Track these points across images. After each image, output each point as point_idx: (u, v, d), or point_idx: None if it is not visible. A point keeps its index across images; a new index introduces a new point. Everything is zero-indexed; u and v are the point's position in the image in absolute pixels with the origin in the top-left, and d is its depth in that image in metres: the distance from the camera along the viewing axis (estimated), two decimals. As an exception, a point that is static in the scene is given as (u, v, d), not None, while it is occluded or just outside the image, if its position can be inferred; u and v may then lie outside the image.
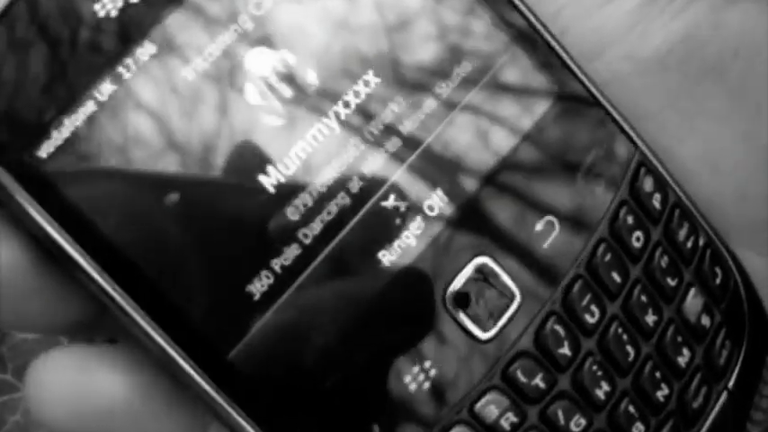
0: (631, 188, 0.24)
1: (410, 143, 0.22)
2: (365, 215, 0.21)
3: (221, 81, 0.21)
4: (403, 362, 0.22)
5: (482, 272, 0.22)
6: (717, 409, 0.25)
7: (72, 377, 0.21)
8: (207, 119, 0.21)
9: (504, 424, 0.22)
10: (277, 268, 0.21)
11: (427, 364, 0.22)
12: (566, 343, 0.23)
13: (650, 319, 0.24)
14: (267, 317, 0.21)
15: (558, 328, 0.23)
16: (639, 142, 0.25)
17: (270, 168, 0.21)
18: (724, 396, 0.25)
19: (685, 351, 0.24)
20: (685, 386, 0.24)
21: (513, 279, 0.23)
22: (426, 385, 0.22)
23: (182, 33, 0.20)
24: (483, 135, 0.23)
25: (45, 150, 0.19)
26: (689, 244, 0.25)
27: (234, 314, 0.20)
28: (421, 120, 0.22)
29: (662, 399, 0.24)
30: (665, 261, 0.24)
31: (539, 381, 0.22)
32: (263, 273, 0.21)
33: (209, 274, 0.20)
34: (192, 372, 0.20)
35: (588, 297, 0.23)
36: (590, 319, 0.23)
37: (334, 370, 0.21)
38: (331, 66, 0.22)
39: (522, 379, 0.22)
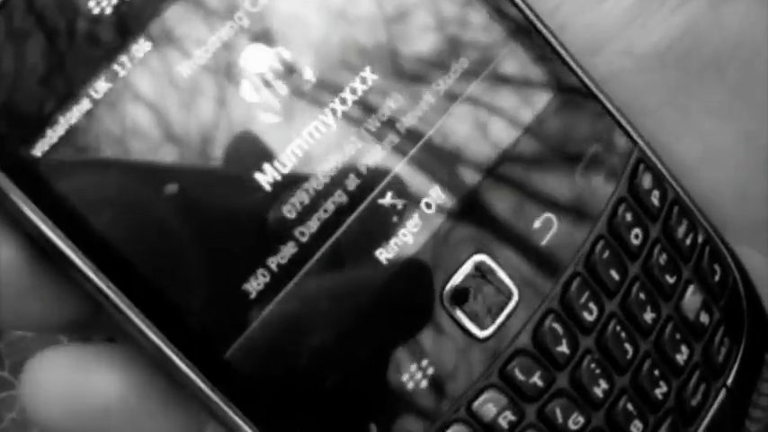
0: (630, 185, 0.24)
1: (407, 140, 0.22)
2: (362, 213, 0.21)
3: (217, 78, 0.21)
4: (400, 360, 0.21)
5: (480, 269, 0.22)
6: (715, 406, 0.25)
7: (67, 376, 0.20)
8: (202, 116, 0.20)
9: (502, 422, 0.22)
10: (273, 266, 0.21)
11: (425, 362, 0.22)
12: (564, 341, 0.23)
13: (649, 316, 0.24)
14: (263, 315, 0.20)
15: (557, 325, 0.23)
16: (638, 139, 0.24)
17: (266, 166, 0.21)
18: (723, 393, 0.25)
19: (684, 348, 0.24)
20: (684, 384, 0.24)
21: (511, 277, 0.22)
22: (424, 384, 0.22)
23: (177, 30, 0.20)
24: (481, 133, 0.23)
25: (40, 149, 0.19)
26: (688, 241, 0.25)
27: (230, 313, 0.20)
28: (418, 117, 0.22)
29: (660, 396, 0.24)
30: (663, 258, 0.24)
31: (537, 379, 0.22)
32: (260, 271, 0.20)
33: (204, 272, 0.20)
34: (188, 371, 0.20)
35: (586, 295, 0.23)
36: (588, 317, 0.23)
37: (331, 369, 0.21)
38: (328, 62, 0.21)
39: (520, 377, 0.22)
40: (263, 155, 0.21)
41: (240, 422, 0.20)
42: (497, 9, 0.23)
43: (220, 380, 0.20)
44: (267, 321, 0.20)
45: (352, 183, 0.21)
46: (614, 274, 0.23)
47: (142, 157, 0.20)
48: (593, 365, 0.23)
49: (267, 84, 0.21)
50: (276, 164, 0.21)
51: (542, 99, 0.23)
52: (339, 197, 0.21)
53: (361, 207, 0.21)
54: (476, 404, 0.22)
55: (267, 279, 0.20)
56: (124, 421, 0.21)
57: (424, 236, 0.22)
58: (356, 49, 0.22)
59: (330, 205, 0.21)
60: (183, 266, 0.20)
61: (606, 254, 0.23)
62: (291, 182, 0.21)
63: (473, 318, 0.22)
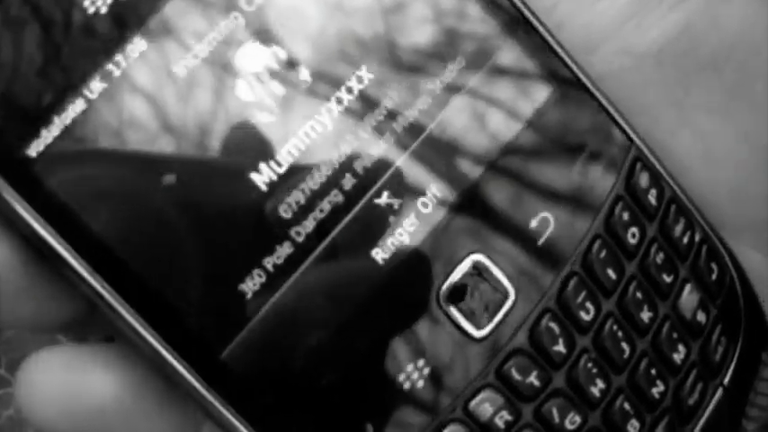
0: (627, 184, 0.24)
1: (404, 139, 0.22)
2: (358, 212, 0.21)
3: (213, 77, 0.20)
4: (397, 360, 0.21)
5: (476, 269, 0.22)
6: (712, 405, 0.25)
7: (63, 377, 0.20)
8: (198, 116, 0.20)
9: (499, 422, 0.22)
10: (269, 267, 0.21)
11: (421, 362, 0.22)
12: (560, 340, 0.23)
13: (645, 315, 0.24)
14: (259, 315, 0.20)
15: (553, 325, 0.23)
16: (635, 138, 0.24)
17: (262, 165, 0.21)
18: (719, 392, 0.25)
19: (681, 347, 0.24)
20: (681, 382, 0.24)
21: (508, 276, 0.22)
22: (420, 384, 0.22)
23: (172, 29, 0.20)
24: (477, 132, 0.23)
25: (35, 149, 0.19)
26: (685, 240, 0.25)
27: (226, 313, 0.20)
28: (415, 116, 0.22)
29: (657, 395, 0.24)
30: (660, 257, 0.24)
31: (533, 379, 0.22)
32: (256, 271, 0.20)
33: (200, 273, 0.20)
34: (184, 371, 0.20)
35: (583, 294, 0.23)
36: (585, 317, 0.23)
37: (328, 369, 0.21)
38: (323, 61, 0.21)
39: (517, 377, 0.22)
40: (259, 154, 0.21)
41: (236, 423, 0.20)
42: (493, 7, 0.23)
43: (216, 380, 0.20)
44: (263, 321, 0.20)
45: (348, 182, 0.21)
46: (611, 274, 0.23)
47: (137, 156, 0.20)
48: (589, 365, 0.23)
49: (263, 83, 0.21)
50: (272, 163, 0.21)
51: (538, 98, 0.23)
52: (335, 197, 0.21)
53: (358, 206, 0.21)
54: (472, 404, 0.22)
55: (263, 279, 0.20)
56: (120, 421, 0.21)
57: (420, 235, 0.22)
58: (352, 48, 0.22)
59: (326, 205, 0.21)
60: (178, 267, 0.20)
61: (603, 253, 0.23)
62: (287, 181, 0.21)
63: (470, 317, 0.22)
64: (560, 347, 0.23)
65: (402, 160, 0.22)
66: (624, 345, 0.23)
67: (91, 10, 0.19)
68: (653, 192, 0.24)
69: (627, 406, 0.23)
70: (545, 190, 0.23)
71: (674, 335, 0.24)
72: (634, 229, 0.24)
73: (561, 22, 0.25)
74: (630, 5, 0.25)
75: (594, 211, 0.23)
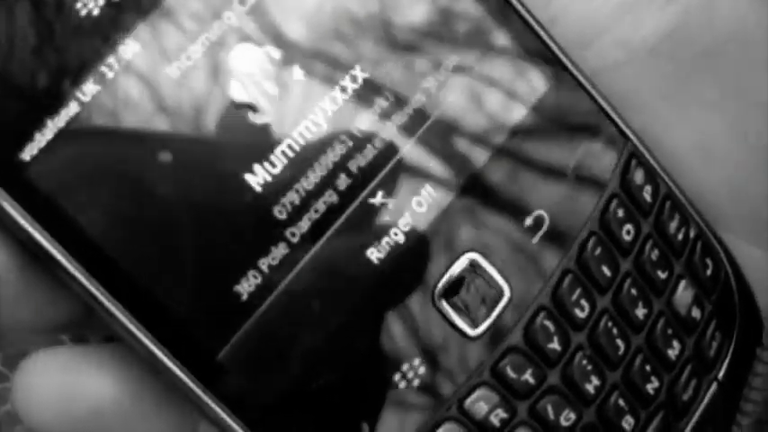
0: (622, 181, 0.24)
1: (398, 139, 0.22)
2: (353, 213, 0.21)
3: (206, 79, 0.20)
4: (392, 360, 0.22)
5: (471, 269, 0.22)
6: (707, 400, 0.25)
7: (59, 379, 0.20)
8: (191, 118, 0.20)
9: (494, 420, 0.22)
10: (264, 268, 0.21)
11: (416, 361, 0.22)
12: (555, 338, 0.23)
13: (640, 312, 0.24)
14: (255, 317, 0.20)
15: (548, 323, 0.23)
16: (630, 134, 0.24)
17: (256, 167, 0.21)
18: (714, 387, 0.25)
19: (675, 344, 0.24)
20: (675, 378, 0.24)
21: (503, 275, 0.22)
22: (416, 383, 0.22)
23: (165, 30, 0.20)
24: (471, 130, 0.22)
25: (28, 153, 0.19)
26: (679, 236, 0.25)
27: (222, 315, 0.20)
28: (409, 115, 0.22)
29: (652, 391, 0.24)
30: (655, 254, 0.24)
31: (528, 376, 0.22)
32: (251, 273, 0.20)
33: (196, 275, 0.20)
34: (180, 374, 0.20)
35: (578, 291, 0.23)
36: (580, 314, 0.23)
37: (323, 369, 0.21)
38: (317, 61, 0.21)
39: (512, 375, 0.22)
40: (253, 155, 0.21)
41: (233, 424, 0.20)
42: (487, 3, 0.23)
43: (212, 382, 0.20)
44: (258, 322, 0.20)
45: (342, 182, 0.21)
46: (606, 271, 0.23)
47: (132, 159, 0.20)
48: (584, 362, 0.23)
49: (256, 83, 0.21)
50: (266, 164, 0.21)
51: (533, 95, 0.23)
52: (330, 197, 0.21)
53: (352, 207, 0.21)
54: (467, 402, 0.22)
55: (258, 281, 0.20)
56: (117, 423, 0.21)
57: (414, 235, 0.22)
58: (345, 48, 0.21)
59: (321, 205, 0.21)
60: (173, 270, 0.20)
61: (598, 250, 0.23)
62: (282, 182, 0.21)
63: (465, 316, 0.22)
64: (555, 345, 0.23)
65: (396, 160, 0.22)
66: (619, 341, 0.24)
67: (83, 12, 0.19)
68: (648, 188, 0.24)
69: (622, 402, 0.24)
70: (540, 188, 0.23)
71: (669, 331, 0.24)
72: (629, 226, 0.24)
73: (556, 15, 0.25)
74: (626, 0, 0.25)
75: (589, 209, 0.23)
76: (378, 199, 0.22)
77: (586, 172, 0.24)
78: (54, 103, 0.19)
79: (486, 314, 0.22)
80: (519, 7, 0.23)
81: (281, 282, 0.21)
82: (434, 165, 0.22)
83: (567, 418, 0.23)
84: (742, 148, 0.26)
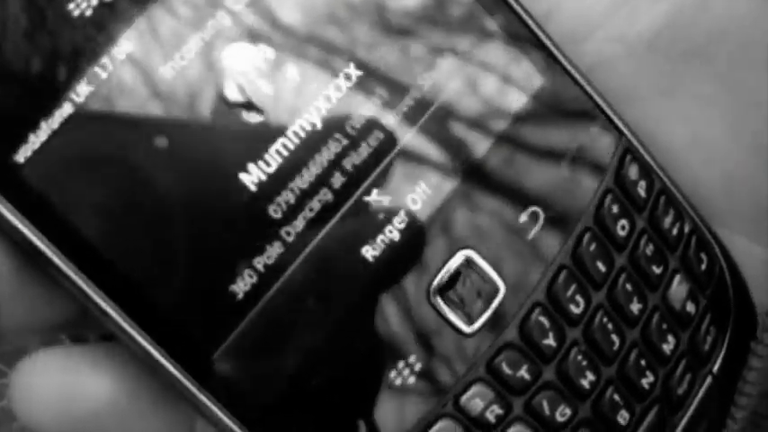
0: (617, 176, 0.24)
1: (392, 137, 0.22)
2: (348, 211, 0.21)
3: (200, 78, 0.20)
4: (388, 357, 0.22)
5: (466, 265, 0.22)
6: (701, 393, 0.25)
7: (57, 379, 0.21)
8: (186, 118, 0.20)
9: (490, 416, 0.22)
10: (260, 267, 0.21)
11: (412, 358, 0.22)
12: (551, 334, 0.23)
13: (635, 307, 0.24)
14: (251, 316, 0.21)
15: (543, 319, 0.23)
16: (625, 129, 0.24)
17: (251, 166, 0.21)
18: (708, 380, 0.25)
19: (670, 338, 0.24)
20: (670, 372, 0.25)
21: (498, 271, 0.23)
22: (411, 380, 0.22)
23: (159, 30, 0.20)
24: (465, 127, 0.23)
25: (23, 155, 0.19)
26: (674, 231, 0.25)
27: (218, 314, 0.20)
28: (403, 113, 0.22)
29: (647, 386, 0.24)
30: (650, 249, 0.24)
31: (524, 372, 0.23)
32: (246, 272, 0.21)
33: (191, 275, 0.20)
34: (176, 373, 0.20)
35: (573, 287, 0.23)
36: (575, 309, 0.23)
37: (319, 367, 0.21)
38: (311, 59, 0.21)
39: (507, 371, 0.22)
40: (248, 154, 0.21)
41: (229, 423, 0.21)
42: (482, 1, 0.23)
43: (209, 381, 0.20)
44: (254, 321, 0.21)
45: (337, 181, 0.21)
46: (601, 266, 0.24)
47: (127, 159, 0.20)
48: (579, 357, 0.23)
49: (251, 82, 0.21)
50: (261, 163, 0.21)
51: (528, 91, 0.23)
52: (325, 195, 0.21)
53: (347, 205, 0.21)
54: (463, 399, 0.22)
55: (254, 280, 0.21)
56: (115, 423, 0.21)
57: (410, 232, 0.22)
58: (340, 46, 0.21)
59: (316, 203, 0.21)
60: (169, 269, 0.20)
61: (593, 246, 0.23)
62: (277, 181, 0.21)
63: (460, 313, 0.22)
64: (550, 341, 0.23)
65: (391, 157, 0.22)
66: (614, 336, 0.24)
67: (76, 13, 0.19)
68: (642, 184, 0.24)
69: (617, 397, 0.24)
70: (535, 184, 0.23)
71: (664, 326, 0.24)
72: (624, 222, 0.24)
73: (551, 10, 0.25)
74: None
75: (584, 205, 0.23)
76: (373, 197, 0.22)
77: (581, 167, 0.24)
78: (48, 104, 0.19)
79: (481, 311, 0.22)
80: (512, 2, 0.23)
81: (277, 281, 0.21)
82: (429, 162, 0.22)
83: (563, 413, 0.23)
84: (737, 142, 0.26)
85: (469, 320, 0.22)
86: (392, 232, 0.22)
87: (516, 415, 0.23)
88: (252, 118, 0.21)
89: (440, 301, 0.22)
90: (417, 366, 0.22)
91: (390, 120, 0.22)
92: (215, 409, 0.20)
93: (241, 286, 0.20)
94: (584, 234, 0.23)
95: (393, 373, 0.22)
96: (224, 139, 0.21)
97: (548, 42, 0.24)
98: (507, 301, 0.23)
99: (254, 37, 0.21)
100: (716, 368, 0.25)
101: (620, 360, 0.24)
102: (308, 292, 0.21)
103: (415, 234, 0.22)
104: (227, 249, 0.21)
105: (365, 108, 0.22)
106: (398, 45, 0.22)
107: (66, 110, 0.19)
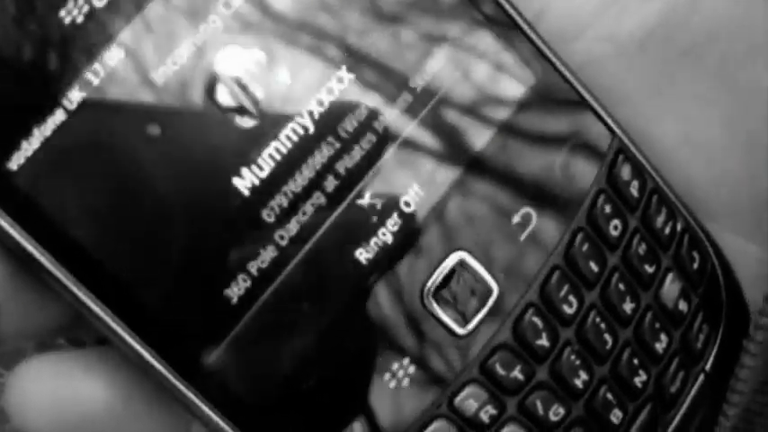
0: (609, 176, 0.24)
1: (385, 140, 0.22)
2: (341, 214, 0.21)
3: (193, 83, 0.20)
4: (382, 360, 0.22)
5: (459, 267, 0.22)
6: (694, 391, 0.25)
7: (52, 385, 0.21)
8: (178, 122, 0.20)
9: (484, 417, 0.22)
10: (254, 271, 0.21)
11: (406, 360, 0.22)
12: (544, 334, 0.23)
13: (628, 306, 0.24)
14: (245, 320, 0.21)
15: (536, 319, 0.23)
16: (617, 129, 0.24)
17: (244, 170, 0.21)
18: (701, 378, 0.25)
19: (663, 337, 0.25)
20: (663, 371, 0.25)
21: (491, 273, 0.23)
22: (405, 382, 0.22)
23: (150, 35, 0.20)
24: (457, 128, 0.23)
25: (15, 162, 0.19)
26: (667, 230, 0.25)
27: (212, 319, 0.20)
28: (396, 115, 0.22)
29: (640, 385, 0.24)
30: (642, 248, 0.24)
31: (517, 373, 0.23)
32: (240, 276, 0.21)
33: (185, 280, 0.20)
34: (172, 379, 0.20)
35: (566, 287, 0.23)
36: (568, 310, 0.23)
37: (314, 370, 0.21)
38: (303, 63, 0.21)
39: (501, 372, 0.22)
40: (241, 159, 0.21)
41: (225, 426, 0.21)
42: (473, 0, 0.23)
43: (204, 385, 0.20)
44: (249, 325, 0.21)
45: (330, 184, 0.21)
46: (593, 266, 0.24)
47: (119, 166, 0.20)
48: (572, 357, 0.23)
49: (243, 87, 0.21)
50: (254, 168, 0.21)
51: (519, 92, 0.23)
52: (318, 199, 0.21)
53: (340, 208, 0.21)
54: (457, 400, 0.22)
55: (248, 284, 0.21)
56: (110, 427, 0.21)
57: (403, 235, 0.22)
58: (331, 50, 0.21)
59: (309, 207, 0.21)
60: (163, 274, 0.20)
61: (585, 246, 0.23)
62: (270, 185, 0.21)
63: (453, 315, 0.22)
64: (544, 341, 0.23)
65: (383, 160, 0.22)
66: (607, 336, 0.24)
67: (67, 20, 0.19)
68: (635, 183, 0.24)
69: (610, 396, 0.24)
70: (527, 185, 0.23)
71: (657, 324, 0.24)
72: (616, 222, 0.24)
73: (542, 9, 0.25)
74: None
75: (577, 205, 0.24)
76: (365, 200, 0.22)
77: (573, 168, 0.24)
78: (40, 111, 0.19)
79: (474, 312, 0.22)
80: (503, 2, 0.23)
81: (271, 284, 0.21)
82: (421, 165, 0.22)
83: (556, 412, 0.23)
84: (729, 141, 0.26)
85: (463, 322, 0.22)
86: (385, 235, 0.22)
87: (510, 415, 0.23)
88: (244, 122, 0.21)
89: (433, 303, 0.22)
90: (411, 368, 0.22)
91: (383, 123, 0.22)
92: (210, 413, 0.21)
93: (235, 290, 0.21)
94: (576, 234, 0.23)
95: (387, 376, 0.22)
96: (217, 143, 0.21)
97: (539, 42, 0.24)
98: (500, 301, 0.23)
99: (245, 41, 0.21)
100: (708, 366, 0.26)
101: (612, 359, 0.24)
102: (302, 295, 0.21)
103: (409, 236, 0.22)
104: (221, 254, 0.21)
105: (357, 111, 0.22)
106: (389, 52, 0.22)
107: (58, 117, 0.19)
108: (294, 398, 0.21)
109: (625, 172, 0.24)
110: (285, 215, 0.21)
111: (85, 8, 0.19)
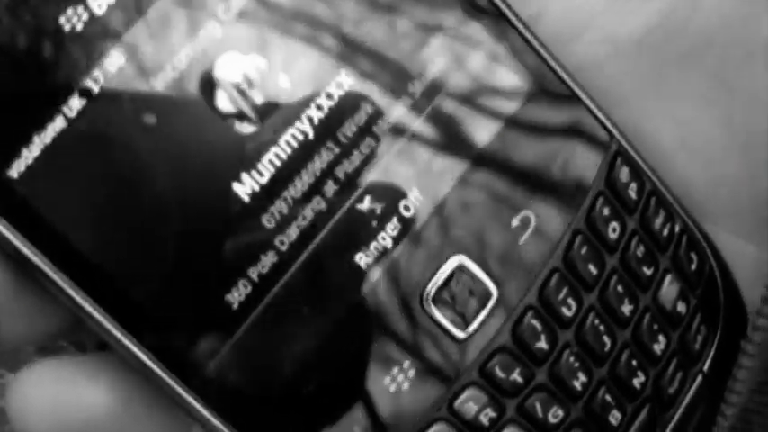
0: (607, 179, 0.24)
1: (384, 144, 0.22)
2: (341, 219, 0.21)
3: (192, 89, 0.20)
4: (382, 364, 0.22)
5: (459, 271, 0.22)
6: (692, 391, 0.25)
7: (54, 390, 0.21)
8: (178, 129, 0.20)
9: (483, 419, 0.22)
10: (254, 276, 0.21)
11: (406, 364, 0.22)
12: (543, 336, 0.23)
13: (626, 308, 0.24)
14: (246, 325, 0.21)
15: (536, 322, 0.23)
16: (615, 132, 0.24)
17: (244, 176, 0.21)
18: (699, 379, 0.26)
19: (661, 338, 0.25)
20: (661, 372, 0.25)
21: (490, 276, 0.23)
22: (405, 385, 0.22)
23: (150, 42, 0.20)
24: (457, 132, 0.23)
25: (16, 170, 0.19)
26: (665, 232, 0.25)
27: (213, 324, 0.21)
28: (395, 120, 0.22)
29: (638, 386, 0.24)
30: (641, 250, 0.24)
31: (516, 375, 0.23)
32: (241, 282, 0.21)
33: (186, 286, 0.20)
34: (173, 383, 0.20)
35: (565, 290, 0.23)
36: (567, 312, 0.23)
37: (314, 375, 0.21)
38: (302, 68, 0.21)
39: (500, 374, 0.23)
40: (241, 165, 0.21)
41: (225, 430, 0.21)
42: (470, 3, 0.23)
43: (205, 390, 0.21)
44: (250, 330, 0.21)
45: (330, 189, 0.21)
46: (592, 268, 0.24)
47: (119, 172, 0.20)
48: (571, 359, 0.23)
49: (242, 93, 0.21)
50: (254, 173, 0.21)
51: (518, 95, 0.23)
52: (318, 204, 0.21)
53: (340, 213, 0.21)
54: (457, 403, 0.22)
55: (248, 290, 0.21)
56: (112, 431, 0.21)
57: (402, 239, 0.22)
58: (330, 55, 0.21)
59: (309, 213, 0.21)
60: (164, 280, 0.20)
61: (584, 249, 0.24)
62: (269, 191, 0.21)
63: (453, 318, 0.22)
64: (543, 344, 0.23)
65: (383, 165, 0.22)
66: (605, 338, 0.24)
67: (67, 27, 0.19)
68: (633, 186, 0.24)
69: (608, 397, 0.24)
70: (526, 188, 0.23)
71: (655, 326, 0.25)
72: (615, 224, 0.24)
73: (541, 10, 0.25)
74: None
75: (575, 208, 0.24)
76: (365, 205, 0.22)
77: (572, 171, 0.24)
78: (40, 118, 0.19)
79: (473, 316, 0.23)
80: (501, 5, 0.23)
81: (271, 290, 0.21)
82: (421, 168, 0.22)
83: (555, 414, 0.23)
84: (727, 140, 0.26)
85: (462, 325, 0.22)
86: (385, 239, 0.22)
87: (509, 417, 0.23)
88: (244, 128, 0.21)
89: (433, 307, 0.22)
90: (411, 372, 0.22)
91: (382, 128, 0.22)
92: (211, 417, 0.21)
93: (236, 296, 0.21)
94: (575, 237, 0.24)
95: (387, 379, 0.22)
96: (216, 150, 0.21)
97: (537, 45, 0.24)
98: (500, 305, 0.23)
99: (244, 47, 0.21)
100: (706, 367, 0.26)
101: (611, 361, 0.24)
102: (302, 300, 0.21)
103: (408, 241, 0.22)
104: (222, 260, 0.21)
105: (356, 116, 0.22)
106: (388, 57, 0.22)
107: (58, 124, 0.19)
108: (295, 402, 0.21)
109: (623, 174, 0.24)
110: (285, 220, 0.21)
111: (85, 15, 0.19)
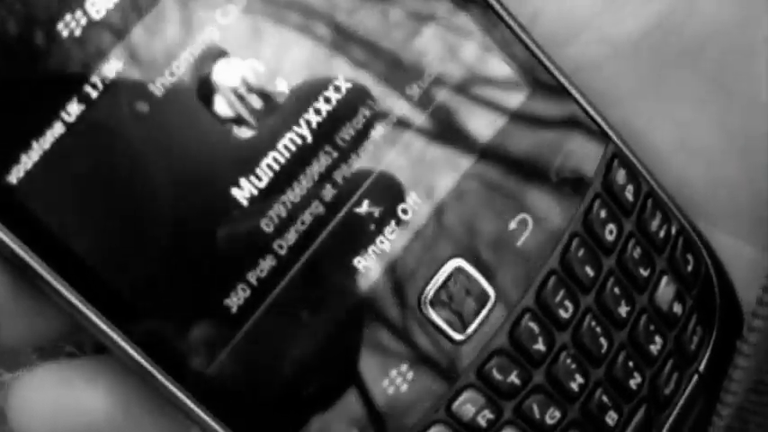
0: (604, 181, 0.24)
1: (382, 148, 0.22)
2: (339, 223, 0.22)
3: (190, 94, 0.20)
4: (380, 366, 0.22)
5: (456, 274, 0.23)
6: (688, 392, 0.26)
7: (53, 394, 0.21)
8: (177, 133, 0.20)
9: (481, 421, 0.23)
10: (253, 281, 0.21)
11: (404, 367, 0.22)
12: (540, 338, 0.23)
13: (623, 309, 0.24)
14: (245, 329, 0.21)
15: (533, 324, 0.23)
16: (612, 134, 0.25)
17: (242, 180, 0.21)
18: (695, 379, 0.26)
19: (657, 339, 0.25)
20: (657, 372, 0.25)
21: (488, 278, 0.23)
22: (404, 387, 0.22)
23: (148, 47, 0.20)
24: (454, 135, 0.23)
25: (15, 175, 0.19)
26: (661, 233, 0.25)
27: (212, 329, 0.21)
28: (393, 124, 0.22)
29: (635, 386, 0.24)
30: (637, 252, 0.25)
31: (514, 377, 0.23)
32: (240, 286, 0.21)
33: (185, 290, 0.20)
34: (172, 387, 0.20)
35: (562, 292, 0.23)
36: (564, 314, 0.23)
37: (313, 378, 0.21)
38: (301, 72, 0.21)
39: (498, 377, 0.23)
40: (239, 170, 0.21)
41: None
42: (466, 5, 0.23)
43: (204, 394, 0.21)
44: (249, 334, 0.21)
45: (328, 193, 0.21)
46: (589, 270, 0.24)
47: (118, 178, 0.20)
48: (568, 361, 0.24)
49: (240, 97, 0.21)
50: (252, 178, 0.21)
51: (515, 98, 0.23)
52: (316, 208, 0.21)
53: (338, 217, 0.22)
54: (455, 405, 0.22)
55: (247, 294, 0.21)
56: (112, 435, 0.21)
57: (400, 242, 0.22)
58: (328, 59, 0.22)
59: (307, 216, 0.21)
60: (163, 285, 0.20)
61: (581, 251, 0.24)
62: (268, 195, 0.21)
63: (451, 321, 0.22)
64: (540, 346, 0.23)
65: (381, 169, 0.22)
66: (602, 339, 0.24)
67: (65, 33, 0.19)
68: (630, 188, 0.24)
69: (605, 398, 0.24)
70: (523, 191, 0.23)
71: (651, 327, 0.25)
72: (611, 226, 0.24)
73: (537, 11, 0.25)
74: None
75: (572, 210, 0.24)
76: (364, 208, 0.22)
77: (569, 173, 0.24)
78: (39, 124, 0.19)
79: (471, 318, 0.23)
80: (497, 7, 0.23)
81: (270, 294, 0.21)
82: (419, 172, 0.22)
83: (553, 416, 0.23)
84: (724, 141, 0.26)
85: (460, 328, 0.23)
86: (383, 243, 0.22)
87: (507, 419, 0.23)
88: (242, 133, 0.21)
89: (431, 311, 0.22)
90: (409, 374, 0.22)
91: (381, 131, 0.22)
92: (210, 420, 0.21)
93: (235, 300, 0.21)
94: (572, 239, 0.24)
95: (386, 382, 0.22)
96: (215, 154, 0.21)
97: (533, 46, 0.24)
98: (497, 307, 0.23)
99: (243, 51, 0.21)
100: (702, 367, 0.26)
101: (608, 362, 0.24)
102: (301, 303, 0.21)
103: (406, 245, 0.22)
104: (221, 264, 0.21)
105: (354, 120, 0.22)
106: (386, 59, 0.22)
107: (57, 130, 0.19)
108: (294, 406, 0.21)
109: (620, 176, 0.24)
110: (284, 224, 0.21)
111: (83, 20, 0.19)
